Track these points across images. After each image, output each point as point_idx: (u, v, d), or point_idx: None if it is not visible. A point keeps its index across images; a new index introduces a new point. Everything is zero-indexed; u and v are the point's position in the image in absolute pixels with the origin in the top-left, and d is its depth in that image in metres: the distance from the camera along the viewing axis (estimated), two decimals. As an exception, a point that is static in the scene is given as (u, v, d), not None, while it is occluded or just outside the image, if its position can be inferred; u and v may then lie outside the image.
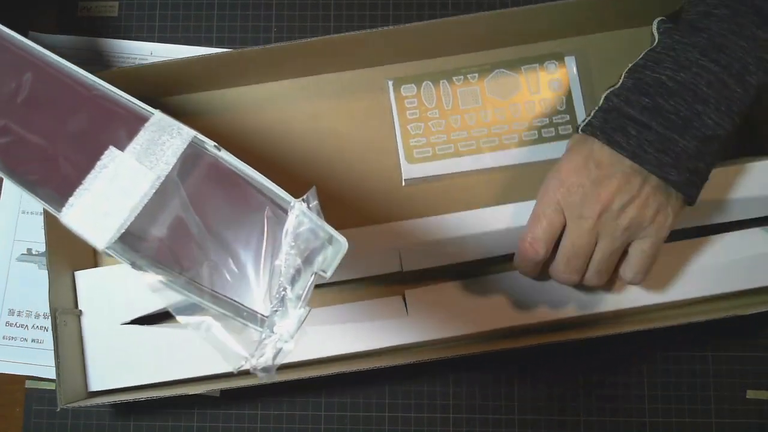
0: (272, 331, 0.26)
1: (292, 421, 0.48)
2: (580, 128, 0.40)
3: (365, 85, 0.50)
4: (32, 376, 0.49)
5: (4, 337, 0.49)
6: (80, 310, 0.45)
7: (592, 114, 0.39)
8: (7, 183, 0.49)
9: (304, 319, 0.25)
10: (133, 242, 0.28)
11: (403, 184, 0.49)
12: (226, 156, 0.28)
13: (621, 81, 0.39)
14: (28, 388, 0.49)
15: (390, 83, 0.50)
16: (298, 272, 0.26)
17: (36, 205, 0.50)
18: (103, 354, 0.45)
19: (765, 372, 0.48)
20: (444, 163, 0.49)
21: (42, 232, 0.49)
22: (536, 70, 0.50)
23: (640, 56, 0.40)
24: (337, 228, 0.29)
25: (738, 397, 0.47)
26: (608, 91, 0.39)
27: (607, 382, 0.48)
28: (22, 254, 0.50)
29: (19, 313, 0.49)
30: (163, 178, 0.28)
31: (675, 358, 0.48)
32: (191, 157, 0.28)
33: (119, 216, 0.27)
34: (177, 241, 0.28)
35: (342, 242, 0.26)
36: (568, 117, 0.50)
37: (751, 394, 0.47)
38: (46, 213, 0.43)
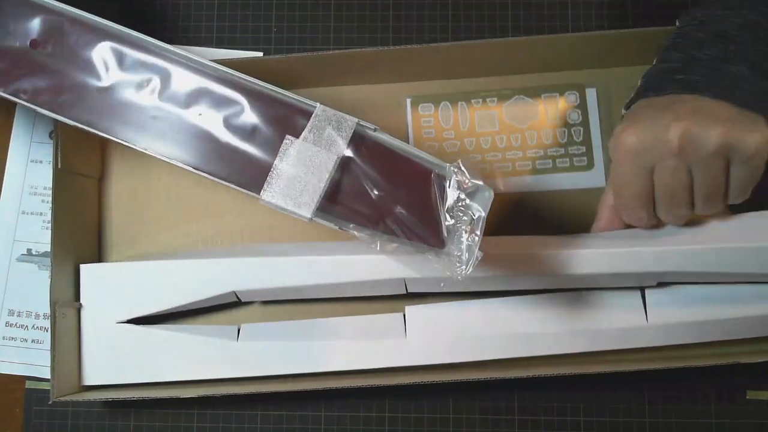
0: (461, 251, 0.34)
1: (292, 422, 0.48)
2: (624, 108, 0.39)
3: (383, 100, 0.50)
4: (32, 377, 0.49)
5: (4, 338, 0.49)
6: (80, 304, 0.45)
7: (633, 94, 0.39)
8: (7, 183, 0.50)
9: (480, 242, 0.34)
10: (329, 210, 0.35)
11: None
12: (383, 136, 0.36)
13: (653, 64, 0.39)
14: (28, 388, 0.49)
15: (408, 100, 0.50)
16: (464, 213, 0.34)
17: (36, 205, 0.50)
18: (100, 349, 0.45)
19: (765, 372, 0.48)
20: None
21: (42, 232, 0.50)
22: (556, 99, 0.50)
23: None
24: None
25: (738, 397, 0.47)
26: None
27: (606, 382, 0.48)
28: (22, 254, 0.50)
29: (19, 314, 0.49)
30: (340, 157, 0.34)
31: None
32: (357, 138, 0.35)
33: (314, 190, 0.34)
34: (363, 204, 0.35)
35: (489, 190, 0.34)
36: (584, 149, 0.49)
37: (751, 394, 0.47)
38: (54, 202, 0.44)
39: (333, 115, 0.35)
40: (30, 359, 0.49)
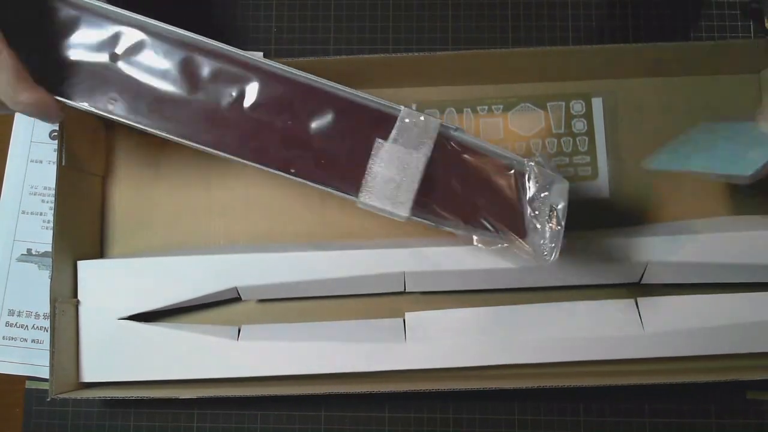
0: (545, 239, 0.36)
1: (292, 422, 0.48)
2: None
3: None
4: (32, 377, 0.49)
5: (4, 337, 0.49)
6: (78, 300, 0.45)
7: None
8: (7, 183, 0.50)
9: (563, 230, 0.36)
10: (423, 207, 0.36)
11: None
12: (464, 136, 0.37)
13: None
14: (28, 388, 0.49)
15: (414, 106, 0.50)
16: (543, 204, 0.36)
17: (36, 205, 0.50)
18: (99, 346, 0.45)
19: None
20: None
21: (42, 232, 0.50)
22: (562, 108, 0.49)
23: None
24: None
25: (738, 397, 0.47)
26: None
27: (606, 387, 0.48)
28: (22, 254, 0.50)
29: (19, 313, 0.49)
30: (428, 156, 0.36)
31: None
32: (442, 138, 0.36)
33: (408, 189, 0.35)
34: (452, 201, 0.36)
35: (564, 181, 0.36)
36: (588, 159, 0.49)
37: (751, 394, 0.47)
38: (57, 199, 0.44)
39: (418, 117, 0.36)
40: (30, 359, 0.49)
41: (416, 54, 0.45)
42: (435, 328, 0.44)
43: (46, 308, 0.48)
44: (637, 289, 0.46)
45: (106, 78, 0.36)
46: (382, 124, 0.36)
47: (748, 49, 0.46)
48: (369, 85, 0.49)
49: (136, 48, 0.36)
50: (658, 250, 0.43)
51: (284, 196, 0.49)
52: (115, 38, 0.36)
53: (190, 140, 0.36)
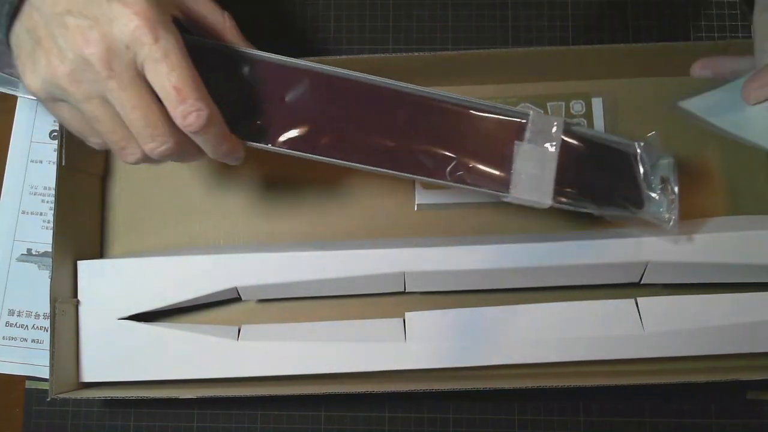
0: (663, 207, 0.41)
1: (292, 422, 0.48)
2: None
3: None
4: (32, 377, 0.49)
5: (4, 337, 0.49)
6: (78, 300, 0.45)
7: None
8: (7, 183, 0.50)
9: (678, 198, 0.41)
10: (561, 194, 0.40)
11: (416, 208, 0.49)
12: (583, 129, 0.41)
13: None
14: (27, 388, 0.49)
15: None
16: (655, 177, 0.41)
17: (36, 205, 0.50)
18: (99, 346, 0.45)
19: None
20: (458, 192, 0.49)
21: (42, 232, 0.50)
22: (562, 108, 0.50)
23: None
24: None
25: (738, 397, 0.47)
26: None
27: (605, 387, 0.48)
28: (22, 254, 0.50)
29: (19, 313, 0.49)
30: (559, 149, 0.40)
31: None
32: (566, 133, 0.40)
33: (548, 181, 0.39)
34: (581, 185, 0.40)
35: (669, 158, 0.41)
36: None
37: (751, 394, 0.47)
38: (57, 200, 0.44)
39: (545, 117, 0.40)
40: (30, 359, 0.49)
41: (416, 54, 0.45)
42: (435, 328, 0.44)
43: (46, 308, 0.48)
44: (637, 289, 0.46)
45: (280, 118, 0.39)
46: (515, 127, 0.40)
47: (748, 48, 0.46)
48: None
49: (301, 88, 0.39)
50: (658, 250, 0.43)
51: (284, 196, 0.49)
52: (283, 81, 0.39)
53: (360, 163, 0.39)
